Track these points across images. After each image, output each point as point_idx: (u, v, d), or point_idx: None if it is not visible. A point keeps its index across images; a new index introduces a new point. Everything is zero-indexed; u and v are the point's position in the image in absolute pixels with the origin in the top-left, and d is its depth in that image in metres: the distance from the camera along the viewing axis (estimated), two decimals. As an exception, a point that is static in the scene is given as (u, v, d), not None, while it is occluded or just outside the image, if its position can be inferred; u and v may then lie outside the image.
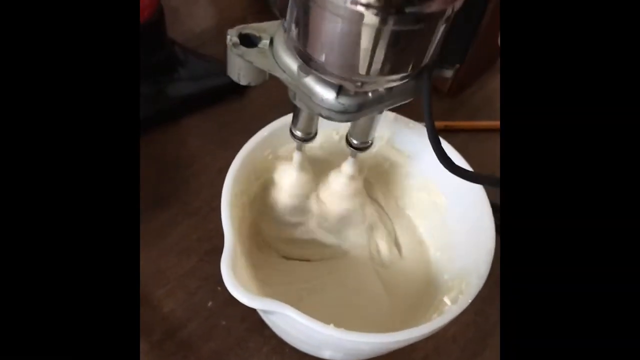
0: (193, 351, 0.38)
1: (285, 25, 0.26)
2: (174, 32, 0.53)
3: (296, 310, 0.30)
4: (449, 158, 0.27)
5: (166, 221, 0.44)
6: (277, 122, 0.37)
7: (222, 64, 0.51)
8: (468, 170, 0.29)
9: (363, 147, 0.34)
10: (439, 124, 0.51)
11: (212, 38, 0.55)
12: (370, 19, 0.22)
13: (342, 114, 0.27)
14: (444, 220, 0.39)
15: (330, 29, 0.23)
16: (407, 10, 0.22)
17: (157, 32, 0.46)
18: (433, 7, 0.23)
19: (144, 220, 0.43)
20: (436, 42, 0.25)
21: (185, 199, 0.45)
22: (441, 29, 0.24)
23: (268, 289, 0.36)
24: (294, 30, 0.26)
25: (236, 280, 0.30)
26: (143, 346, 0.38)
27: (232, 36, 0.28)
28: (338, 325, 0.32)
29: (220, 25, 0.56)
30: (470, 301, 0.31)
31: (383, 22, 0.22)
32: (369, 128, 0.33)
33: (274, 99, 0.52)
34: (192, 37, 0.55)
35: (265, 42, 0.28)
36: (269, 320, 0.35)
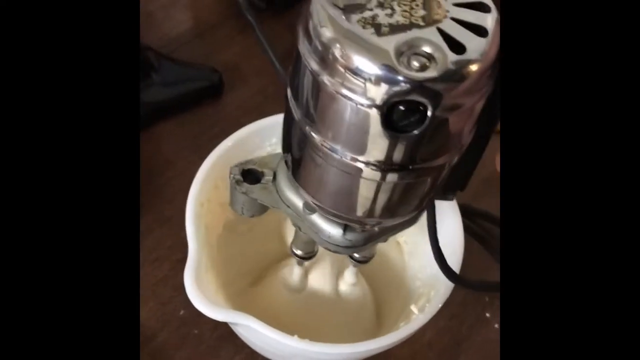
0: (165, 360, 0.38)
1: (287, 163, 0.26)
2: (149, 37, 0.53)
3: (260, 322, 0.29)
4: (458, 277, 0.29)
5: (140, 229, 0.43)
6: (243, 130, 0.37)
7: (196, 68, 0.51)
8: (474, 282, 0.32)
9: (365, 260, 0.33)
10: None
11: (188, 42, 0.55)
12: (370, 174, 0.21)
13: (349, 248, 0.27)
14: (417, 226, 0.39)
15: (328, 178, 0.23)
16: (412, 167, 0.21)
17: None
18: (440, 161, 0.22)
19: (117, 229, 0.43)
20: (439, 184, 0.24)
21: (159, 206, 0.45)
22: (444, 174, 0.23)
23: (238, 300, 0.36)
24: (292, 170, 0.25)
25: (199, 291, 0.30)
26: (114, 357, 0.38)
27: (235, 174, 0.28)
28: (310, 334, 0.32)
29: (196, 29, 0.56)
30: (436, 310, 0.31)
31: (384, 178, 0.21)
32: (374, 247, 0.32)
33: (248, 103, 0.52)
34: (167, 42, 0.54)
35: (268, 177, 0.28)
36: (237, 331, 0.34)
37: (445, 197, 0.28)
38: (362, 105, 0.19)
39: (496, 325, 0.42)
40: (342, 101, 0.19)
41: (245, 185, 0.27)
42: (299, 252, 0.33)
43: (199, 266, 0.32)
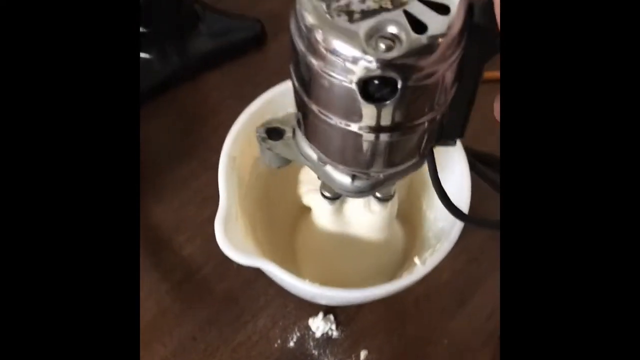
0: (207, 291, 0.44)
1: (299, 123, 0.29)
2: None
3: (278, 267, 0.34)
4: (462, 213, 0.31)
5: (187, 174, 0.49)
6: (274, 89, 0.40)
7: (240, 19, 0.54)
8: (479, 219, 0.34)
9: (386, 198, 0.36)
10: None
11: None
12: (365, 136, 0.24)
13: (359, 193, 0.30)
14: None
15: (331, 139, 0.26)
16: (399, 126, 0.24)
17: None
18: (426, 118, 0.24)
19: (167, 172, 0.48)
20: (434, 132, 0.26)
21: (205, 153, 0.49)
22: (435, 126, 0.26)
23: (267, 244, 0.40)
24: (303, 131, 0.28)
25: (227, 238, 0.34)
26: (165, 286, 0.44)
27: (260, 132, 0.31)
28: (331, 276, 0.36)
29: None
30: (436, 263, 0.34)
31: (378, 137, 0.24)
32: (390, 186, 0.36)
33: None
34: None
35: (288, 135, 0.31)
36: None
37: (445, 143, 0.30)
38: (343, 81, 0.22)
39: (512, 271, 0.45)
40: (327, 78, 0.22)
41: (270, 141, 0.31)
42: (326, 194, 0.37)
43: (229, 215, 0.36)
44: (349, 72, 0.21)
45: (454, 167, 0.37)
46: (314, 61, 0.22)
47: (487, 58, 0.23)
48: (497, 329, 0.43)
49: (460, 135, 0.29)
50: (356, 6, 0.21)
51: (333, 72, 0.22)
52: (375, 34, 0.20)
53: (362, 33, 0.21)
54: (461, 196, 0.35)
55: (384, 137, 0.24)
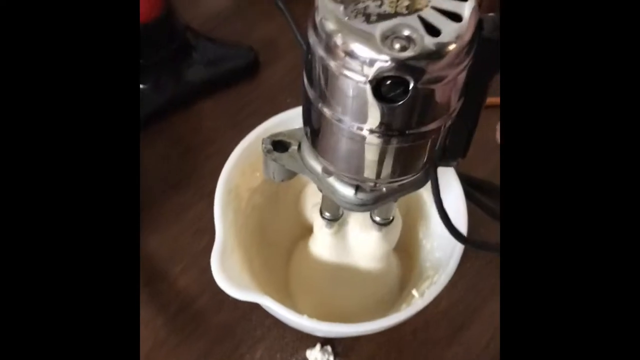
0: (204, 323, 0.43)
1: (307, 135, 0.29)
2: (190, 14, 0.56)
3: (274, 302, 0.34)
4: (462, 235, 0.31)
5: (182, 203, 0.48)
6: (267, 122, 0.40)
7: (233, 47, 0.54)
8: (479, 242, 0.34)
9: (385, 222, 0.37)
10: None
11: (227, 18, 0.57)
12: (374, 140, 0.25)
13: (361, 207, 0.31)
14: (429, 210, 0.41)
15: (339, 145, 0.26)
16: (408, 132, 0.25)
17: (168, 25, 0.49)
18: (432, 126, 0.25)
19: (162, 202, 0.48)
20: (438, 145, 0.27)
21: (200, 182, 0.49)
22: (441, 136, 0.27)
23: (263, 276, 0.40)
24: (311, 141, 0.29)
25: (224, 274, 0.34)
26: (161, 318, 0.43)
27: (266, 144, 0.32)
28: (328, 306, 0.35)
29: (235, 5, 0.58)
30: (435, 295, 0.34)
31: (386, 142, 0.25)
32: (390, 208, 0.36)
33: (285, 80, 0.54)
34: (208, 18, 0.57)
35: (294, 147, 0.32)
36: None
37: (448, 163, 0.31)
38: (359, 82, 0.22)
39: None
40: (345, 80, 0.23)
41: (275, 153, 0.32)
42: (326, 215, 0.38)
43: (225, 249, 0.36)
44: (364, 72, 0.22)
45: (450, 193, 0.37)
46: (332, 64, 0.23)
47: (493, 74, 0.24)
48: (495, 357, 0.43)
49: (463, 155, 0.29)
50: (373, 9, 0.22)
51: (350, 72, 0.22)
52: (390, 35, 0.21)
53: (378, 34, 0.21)
54: (458, 221, 0.35)
55: (392, 142, 0.25)
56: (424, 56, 0.21)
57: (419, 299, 0.34)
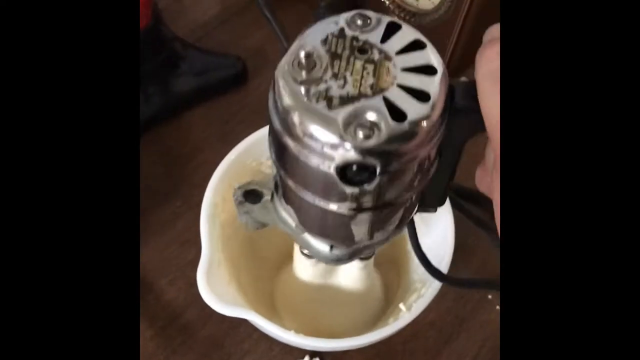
0: (192, 336, 0.43)
1: (277, 189, 0.28)
2: (179, 23, 0.55)
3: (260, 317, 0.34)
4: (443, 275, 0.31)
5: (170, 214, 0.48)
6: (258, 133, 0.40)
7: (221, 57, 0.54)
8: (464, 281, 0.33)
9: (366, 257, 0.36)
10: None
11: (215, 28, 0.57)
12: (343, 211, 0.24)
13: (337, 261, 0.30)
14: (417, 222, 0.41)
15: (309, 212, 0.25)
16: (379, 204, 0.23)
17: (156, 35, 0.49)
18: (406, 196, 0.24)
19: (150, 212, 0.48)
20: (414, 205, 0.26)
21: (188, 192, 0.49)
22: (413, 201, 0.26)
23: (251, 290, 0.40)
24: (282, 196, 0.28)
25: (209, 289, 0.34)
26: (149, 331, 0.43)
27: (237, 196, 0.30)
28: (315, 324, 0.35)
29: (223, 14, 0.58)
30: (422, 309, 0.34)
31: (355, 214, 0.24)
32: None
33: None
34: (196, 27, 0.57)
35: (267, 198, 0.30)
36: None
37: (427, 210, 0.31)
38: (321, 165, 0.21)
39: (497, 307, 0.45)
40: (304, 161, 0.22)
41: (247, 205, 0.30)
42: (305, 251, 0.37)
43: (211, 264, 0.36)
44: (327, 157, 0.21)
45: (439, 221, 0.37)
46: (290, 142, 0.22)
47: (469, 136, 0.23)
48: (485, 368, 0.43)
49: (441, 203, 0.29)
50: (335, 91, 0.21)
51: (310, 155, 0.21)
52: (353, 121, 0.20)
53: (341, 120, 0.20)
54: (444, 249, 0.35)
55: (363, 215, 0.24)
56: (391, 140, 0.20)
57: (406, 313, 0.34)
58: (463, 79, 0.22)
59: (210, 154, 0.50)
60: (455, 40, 0.51)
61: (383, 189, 0.22)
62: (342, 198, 0.22)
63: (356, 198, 0.22)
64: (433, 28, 0.52)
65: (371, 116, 0.20)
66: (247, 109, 0.53)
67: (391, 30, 0.22)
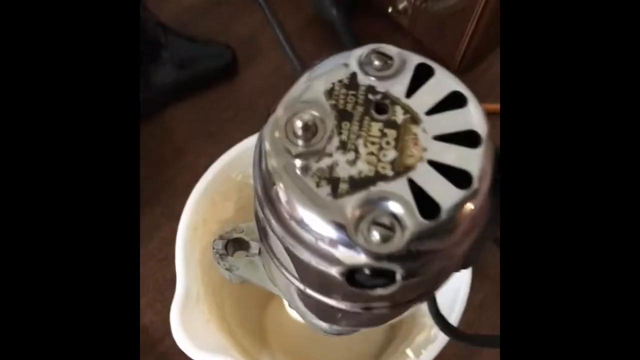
0: (170, 366, 0.39)
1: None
2: (163, 7, 0.49)
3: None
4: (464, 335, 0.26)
5: (149, 224, 0.43)
6: (240, 145, 0.35)
7: (208, 45, 0.48)
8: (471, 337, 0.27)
9: None
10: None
11: (203, 12, 0.51)
12: (346, 307, 0.19)
13: (337, 335, 0.26)
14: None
15: (309, 302, 0.20)
16: (390, 305, 0.18)
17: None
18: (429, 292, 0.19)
19: (126, 225, 0.43)
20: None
21: (169, 200, 0.44)
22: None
23: (235, 322, 0.35)
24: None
25: (184, 331, 0.30)
26: (121, 360, 0.38)
27: (217, 248, 0.25)
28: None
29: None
30: (434, 356, 0.29)
31: (361, 312, 0.19)
32: None
33: (266, 83, 0.48)
34: (181, 13, 0.51)
35: (254, 251, 0.24)
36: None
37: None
38: (320, 265, 0.16)
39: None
40: (294, 254, 0.17)
41: (230, 259, 0.25)
42: None
43: (188, 299, 0.31)
44: (329, 258, 0.15)
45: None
46: (277, 228, 0.16)
47: None
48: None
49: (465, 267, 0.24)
50: (343, 170, 0.15)
51: (305, 251, 0.16)
52: (367, 214, 0.15)
53: (350, 214, 0.15)
54: (455, 298, 0.30)
55: (368, 313, 0.19)
56: (416, 241, 0.15)
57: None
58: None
59: (194, 157, 0.45)
60: (472, 31, 0.46)
61: (404, 292, 0.17)
62: (347, 297, 0.17)
63: (367, 300, 0.17)
64: (447, 16, 0.46)
65: (392, 207, 0.15)
66: (236, 105, 0.47)
67: (421, 76, 0.16)
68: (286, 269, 0.18)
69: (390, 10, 0.49)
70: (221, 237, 0.25)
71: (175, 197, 0.44)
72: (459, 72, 0.50)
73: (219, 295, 0.35)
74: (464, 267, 0.24)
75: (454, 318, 0.30)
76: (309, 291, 0.18)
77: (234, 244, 0.25)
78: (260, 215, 0.17)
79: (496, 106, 0.48)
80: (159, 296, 0.41)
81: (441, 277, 0.18)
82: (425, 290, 0.19)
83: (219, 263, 0.25)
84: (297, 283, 0.18)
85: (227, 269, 0.25)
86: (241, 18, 0.51)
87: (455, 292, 0.31)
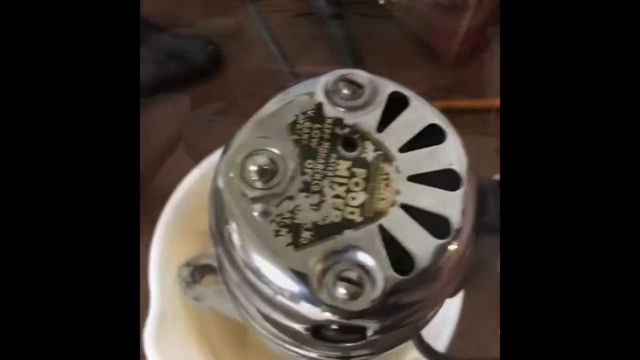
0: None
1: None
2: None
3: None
4: None
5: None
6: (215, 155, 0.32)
7: (189, 39, 0.46)
8: None
9: None
10: (438, 103, 0.45)
11: (183, 3, 0.49)
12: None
13: None
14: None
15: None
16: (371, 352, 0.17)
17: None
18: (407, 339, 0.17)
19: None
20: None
21: (148, 205, 0.42)
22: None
23: (217, 336, 0.34)
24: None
25: (159, 351, 0.28)
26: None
27: (184, 276, 0.23)
28: None
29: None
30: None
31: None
32: None
33: (251, 80, 0.46)
34: (160, 4, 0.48)
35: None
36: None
37: None
38: (280, 319, 0.15)
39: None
40: (252, 305, 0.15)
41: (197, 288, 0.23)
42: None
43: (163, 319, 0.29)
44: (291, 313, 0.14)
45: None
46: (234, 276, 0.15)
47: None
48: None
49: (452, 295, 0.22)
50: (306, 215, 0.14)
51: (263, 304, 0.15)
52: (332, 267, 0.13)
53: (313, 267, 0.13)
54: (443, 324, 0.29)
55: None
56: (388, 296, 0.13)
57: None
58: (496, 177, 0.14)
59: (174, 160, 0.43)
60: (468, 25, 0.44)
61: (377, 342, 0.15)
62: (319, 348, 0.15)
63: (342, 349, 0.15)
64: (443, 9, 0.44)
65: (361, 258, 0.13)
66: (219, 104, 0.45)
67: (394, 107, 0.14)
68: (250, 316, 0.16)
69: (382, 1, 0.47)
70: (188, 264, 0.23)
71: (154, 202, 0.41)
72: (456, 65, 0.48)
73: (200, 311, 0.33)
74: (451, 296, 0.22)
75: (440, 344, 0.29)
76: (278, 341, 0.16)
77: (202, 270, 0.23)
78: (216, 251, 0.15)
79: (492, 102, 0.46)
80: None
81: (425, 322, 0.16)
82: (406, 336, 0.17)
83: (185, 291, 0.23)
84: (263, 331, 0.16)
85: (195, 299, 0.23)
86: (223, 11, 0.49)
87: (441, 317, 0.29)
